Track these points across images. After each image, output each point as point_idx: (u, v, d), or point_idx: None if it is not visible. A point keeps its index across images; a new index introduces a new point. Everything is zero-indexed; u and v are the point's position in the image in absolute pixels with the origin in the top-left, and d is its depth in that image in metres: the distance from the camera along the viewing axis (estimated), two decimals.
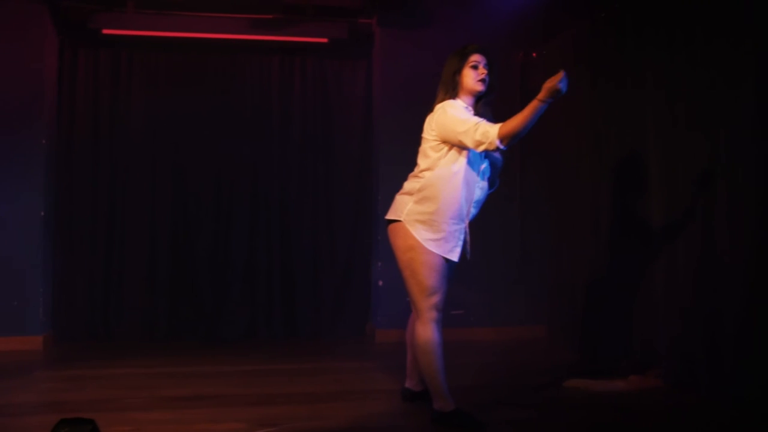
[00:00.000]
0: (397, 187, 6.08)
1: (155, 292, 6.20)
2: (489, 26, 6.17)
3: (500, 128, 3.34)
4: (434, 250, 3.55)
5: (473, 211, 3.67)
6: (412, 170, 6.11)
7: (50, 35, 5.90)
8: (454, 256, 3.60)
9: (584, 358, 5.21)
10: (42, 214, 5.76)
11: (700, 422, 3.71)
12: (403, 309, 6.08)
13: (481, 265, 6.16)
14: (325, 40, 6.27)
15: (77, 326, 6.10)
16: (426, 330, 3.58)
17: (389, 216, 3.73)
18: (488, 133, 3.36)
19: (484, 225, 6.17)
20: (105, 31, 5.99)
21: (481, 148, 3.42)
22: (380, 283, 6.13)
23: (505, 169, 6.15)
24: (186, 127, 6.28)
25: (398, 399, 4.13)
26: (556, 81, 3.27)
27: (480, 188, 3.68)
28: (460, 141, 3.47)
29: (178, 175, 6.27)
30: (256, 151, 6.37)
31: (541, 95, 3.29)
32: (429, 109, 3.74)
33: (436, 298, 3.57)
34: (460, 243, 3.61)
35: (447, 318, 6.03)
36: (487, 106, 3.70)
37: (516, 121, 3.33)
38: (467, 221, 3.64)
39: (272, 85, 6.44)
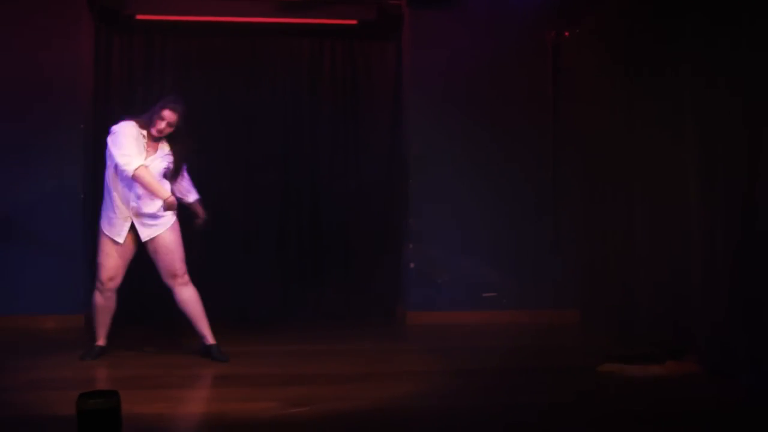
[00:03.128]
0: (428, 169, 6.16)
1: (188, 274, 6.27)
2: (521, 5, 6.11)
3: (138, 172, 4.45)
4: (109, 235, 4.65)
5: (134, 204, 4.60)
6: (442, 152, 6.18)
7: (86, 22, 5.99)
8: (120, 239, 4.65)
9: (619, 342, 5.16)
10: (82, 196, 5.88)
11: (737, 412, 3.66)
12: (434, 292, 6.13)
13: (513, 248, 6.17)
14: (353, 22, 6.27)
15: (118, 306, 6.19)
16: (96, 297, 4.77)
17: None
18: (129, 165, 4.46)
19: (517, 207, 6.21)
20: (138, 17, 6.07)
21: (121, 169, 4.50)
22: (411, 265, 6.15)
23: (539, 151, 6.22)
24: (218, 111, 6.33)
25: (428, 381, 4.15)
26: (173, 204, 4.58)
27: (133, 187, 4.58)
28: (114, 157, 4.53)
29: (209, 158, 6.31)
30: (287, 134, 6.40)
31: (165, 206, 4.55)
32: None
33: (102, 274, 4.71)
34: (125, 228, 4.64)
35: (478, 300, 6.13)
36: (170, 141, 4.72)
37: (148, 182, 4.49)
38: (131, 212, 4.62)
39: (302, 68, 6.45)
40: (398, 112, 6.50)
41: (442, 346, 5.22)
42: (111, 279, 4.72)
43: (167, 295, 6.17)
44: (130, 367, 4.51)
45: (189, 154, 4.85)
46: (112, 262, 4.69)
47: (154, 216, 4.63)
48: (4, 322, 5.64)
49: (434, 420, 3.50)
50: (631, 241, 5.25)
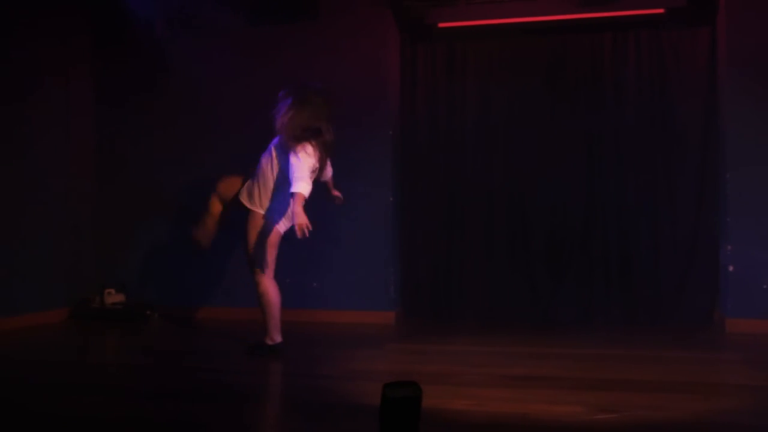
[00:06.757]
0: (748, 166, 5.61)
1: (492, 275, 6.36)
2: None
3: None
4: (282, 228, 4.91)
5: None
6: (764, 147, 5.57)
7: (393, 33, 6.36)
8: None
9: None
10: (391, 199, 6.23)
11: None
12: (758, 296, 5.55)
13: None
14: (661, 11, 5.92)
15: (422, 305, 6.49)
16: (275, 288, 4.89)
17: None
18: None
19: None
20: (440, 25, 6.30)
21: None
22: (730, 268, 5.63)
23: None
24: (518, 113, 6.34)
25: (755, 396, 3.76)
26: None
27: None
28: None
29: (512, 157, 6.36)
30: (590, 130, 6.22)
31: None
32: None
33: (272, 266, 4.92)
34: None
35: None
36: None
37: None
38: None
39: (604, 63, 6.21)
40: (712, 103, 5.99)
41: None
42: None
43: (468, 294, 6.38)
44: (433, 363, 4.66)
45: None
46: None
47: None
48: (332, 316, 6.20)
49: None
50: None
